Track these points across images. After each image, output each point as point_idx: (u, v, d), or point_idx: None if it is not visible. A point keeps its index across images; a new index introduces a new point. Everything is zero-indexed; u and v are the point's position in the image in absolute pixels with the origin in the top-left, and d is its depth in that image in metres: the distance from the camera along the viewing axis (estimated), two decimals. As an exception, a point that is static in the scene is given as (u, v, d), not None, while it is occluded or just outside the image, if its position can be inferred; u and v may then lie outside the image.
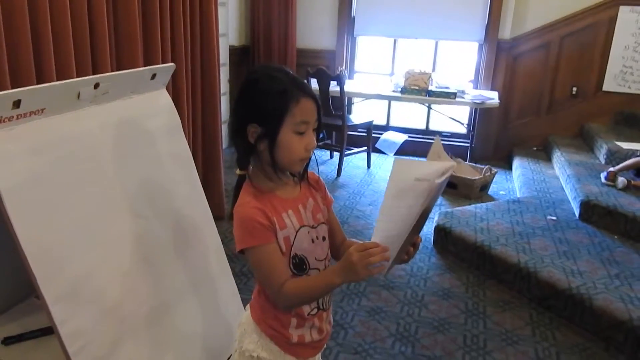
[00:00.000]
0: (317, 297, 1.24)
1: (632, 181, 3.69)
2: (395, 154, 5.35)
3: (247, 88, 1.18)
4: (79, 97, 1.52)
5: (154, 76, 1.84)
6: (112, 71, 2.36)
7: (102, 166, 1.57)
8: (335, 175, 4.81)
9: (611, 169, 3.79)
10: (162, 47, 2.80)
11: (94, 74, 2.22)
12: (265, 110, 1.14)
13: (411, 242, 1.17)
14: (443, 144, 1.15)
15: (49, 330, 1.32)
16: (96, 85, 1.57)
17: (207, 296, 1.92)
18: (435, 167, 1.04)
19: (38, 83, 1.89)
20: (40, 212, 1.33)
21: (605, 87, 4.96)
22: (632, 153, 3.96)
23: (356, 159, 5.22)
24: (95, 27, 2.29)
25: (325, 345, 1.39)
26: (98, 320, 1.41)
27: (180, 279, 1.79)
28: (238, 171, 1.23)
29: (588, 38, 4.90)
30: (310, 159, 1.22)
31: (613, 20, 4.80)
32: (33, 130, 1.37)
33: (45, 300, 1.25)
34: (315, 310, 1.28)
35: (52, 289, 1.28)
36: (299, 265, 1.22)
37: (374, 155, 5.21)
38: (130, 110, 1.74)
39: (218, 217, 3.59)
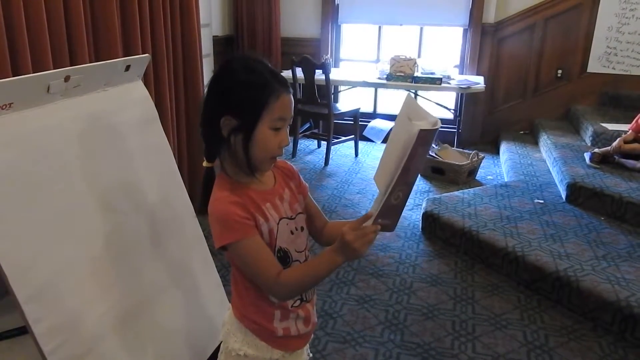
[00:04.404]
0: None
1: (617, 158, 3.72)
2: (383, 142, 5.34)
3: (223, 78, 1.12)
4: (48, 90, 1.47)
5: (128, 68, 1.80)
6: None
7: (74, 161, 1.52)
8: (323, 165, 4.78)
9: (596, 150, 3.80)
10: (142, 38, 2.75)
11: (71, 66, 2.17)
12: (243, 103, 1.09)
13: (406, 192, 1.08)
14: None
15: (26, 329, 1.28)
16: (67, 78, 1.53)
17: (188, 290, 1.89)
18: (427, 118, 1.02)
19: (13, 76, 1.84)
20: (10, 209, 1.29)
21: (590, 69, 4.96)
22: (618, 134, 3.96)
23: (344, 148, 5.20)
24: (71, 18, 2.23)
25: (312, 336, 1.37)
26: (74, 318, 1.38)
27: (160, 273, 1.76)
28: (205, 163, 1.19)
29: (572, 20, 4.89)
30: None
31: (596, 1, 4.78)
32: (0, 125, 1.33)
33: (18, 299, 1.22)
34: (299, 302, 1.25)
35: (24, 288, 1.25)
36: (283, 258, 1.18)
37: (361, 144, 5.19)
38: (104, 103, 1.69)
39: (206, 210, 3.55)
